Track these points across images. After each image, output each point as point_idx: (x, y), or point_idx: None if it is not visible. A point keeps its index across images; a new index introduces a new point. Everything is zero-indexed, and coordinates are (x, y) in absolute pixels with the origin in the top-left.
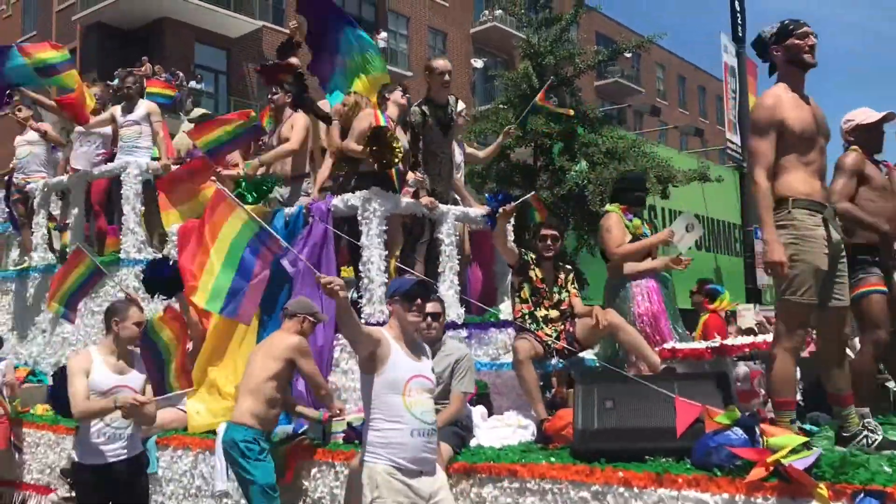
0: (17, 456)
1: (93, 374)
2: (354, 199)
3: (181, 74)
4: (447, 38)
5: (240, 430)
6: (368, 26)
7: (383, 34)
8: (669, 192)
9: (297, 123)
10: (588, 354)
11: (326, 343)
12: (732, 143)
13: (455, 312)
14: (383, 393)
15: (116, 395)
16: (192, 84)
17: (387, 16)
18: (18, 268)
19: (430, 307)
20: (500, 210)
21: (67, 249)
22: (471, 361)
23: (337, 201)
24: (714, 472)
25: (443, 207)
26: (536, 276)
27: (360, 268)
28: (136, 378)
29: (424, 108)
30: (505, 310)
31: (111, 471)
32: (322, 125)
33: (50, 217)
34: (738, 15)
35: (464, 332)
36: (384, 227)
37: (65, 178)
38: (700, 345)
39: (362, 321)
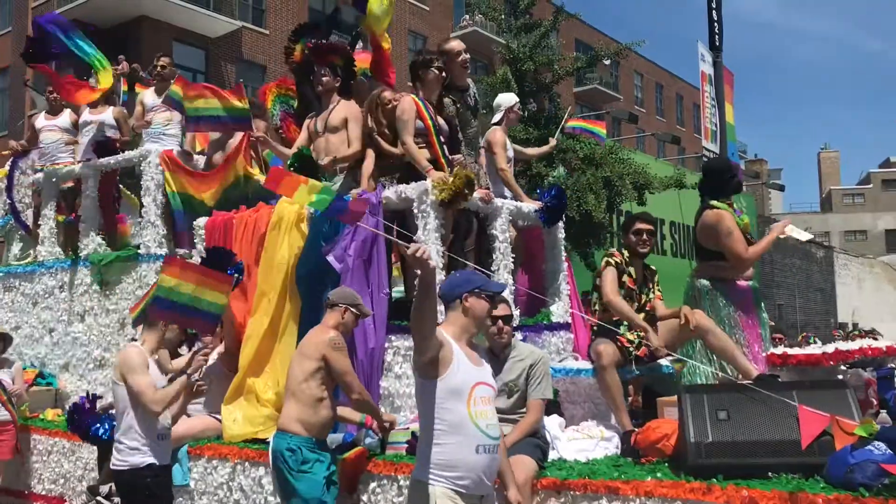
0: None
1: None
2: (410, 190)
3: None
4: (427, 41)
5: (283, 438)
6: (348, 28)
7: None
8: (646, 199)
9: (351, 115)
10: (665, 362)
11: (378, 345)
12: (709, 150)
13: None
14: (445, 401)
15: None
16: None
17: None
18: (24, 262)
19: (502, 309)
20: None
21: (81, 244)
22: (547, 365)
23: (389, 193)
24: (860, 491)
25: (497, 201)
26: (630, 275)
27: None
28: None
29: (452, 96)
30: (556, 311)
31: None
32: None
33: (58, 208)
34: (715, 24)
35: (518, 336)
36: (441, 221)
37: (77, 167)
38: (814, 350)
39: None
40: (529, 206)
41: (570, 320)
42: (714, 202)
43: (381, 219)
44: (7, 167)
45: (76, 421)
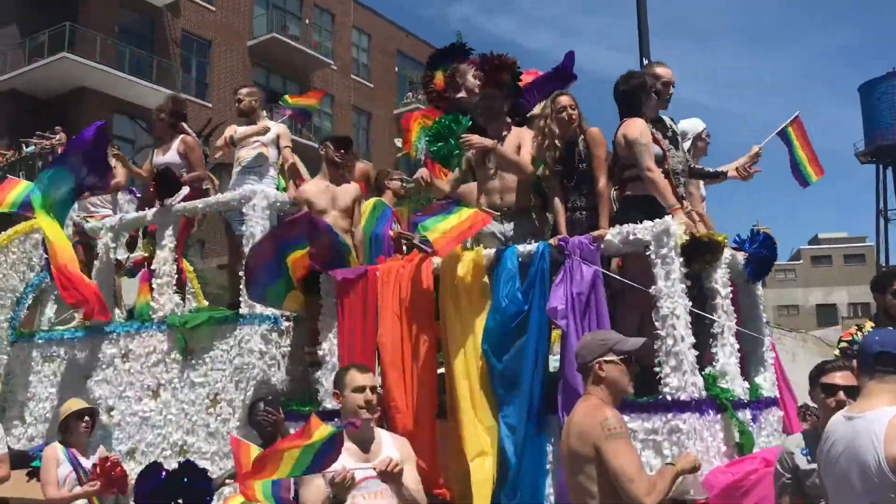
0: None
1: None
2: (643, 231)
3: None
4: (371, 117)
5: None
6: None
7: None
8: None
9: (525, 141)
10: None
11: None
12: None
13: (739, 386)
14: None
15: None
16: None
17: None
18: (69, 327)
19: None
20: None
21: (152, 303)
22: None
23: (612, 235)
24: None
25: None
26: None
27: (658, 324)
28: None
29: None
30: (764, 384)
31: None
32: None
33: (117, 265)
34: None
35: (748, 413)
36: (685, 270)
37: (148, 213)
38: None
39: (666, 397)
40: (740, 255)
41: (777, 394)
42: None
43: (599, 268)
44: None
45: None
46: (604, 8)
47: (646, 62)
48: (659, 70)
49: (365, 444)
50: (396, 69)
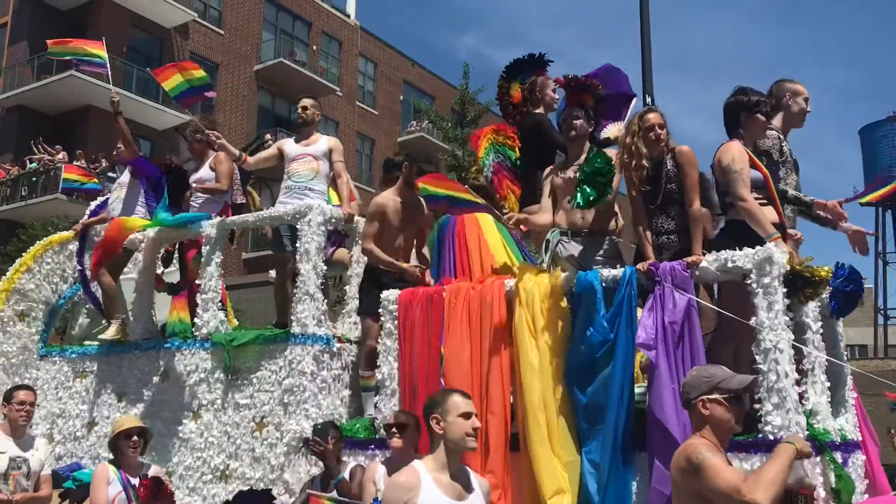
0: None
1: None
2: (743, 259)
3: (104, 161)
4: (375, 144)
5: None
6: (294, 128)
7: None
8: None
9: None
10: None
11: None
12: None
13: (831, 427)
14: None
15: None
16: (111, 173)
17: None
18: (103, 339)
19: None
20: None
21: (198, 321)
22: None
23: (708, 262)
24: None
25: None
26: None
27: (759, 358)
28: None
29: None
30: (847, 426)
31: None
32: None
33: (157, 279)
34: None
35: (839, 456)
36: (788, 301)
37: (205, 225)
38: None
39: (768, 436)
40: None
41: (860, 437)
42: None
43: (693, 297)
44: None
45: None
46: (610, 42)
47: (648, 99)
48: (788, 86)
49: (462, 479)
50: (401, 98)
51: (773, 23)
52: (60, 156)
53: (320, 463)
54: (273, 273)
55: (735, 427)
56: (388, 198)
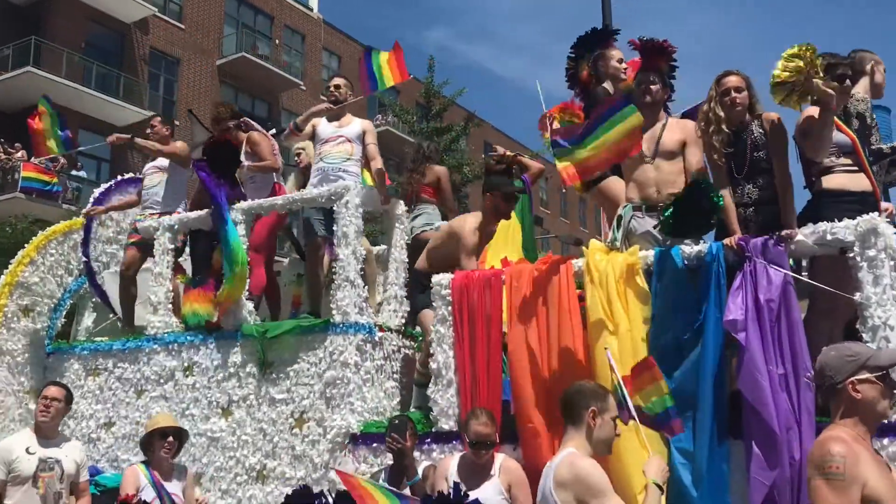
0: None
1: None
2: (844, 231)
3: (62, 160)
4: None
5: None
6: (261, 122)
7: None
8: None
9: (690, 138)
10: None
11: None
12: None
13: None
14: None
15: None
16: (73, 172)
17: (280, 114)
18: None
19: None
20: None
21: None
22: None
23: (804, 235)
24: None
25: None
26: None
27: (866, 336)
28: None
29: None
30: None
31: None
32: None
33: (176, 268)
34: None
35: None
36: None
37: (239, 210)
38: None
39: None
40: None
41: None
42: None
43: (789, 272)
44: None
45: None
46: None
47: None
48: (870, 55)
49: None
50: None
51: (740, 15)
52: (20, 153)
53: (377, 459)
54: (286, 262)
55: (887, 412)
56: (468, 228)
